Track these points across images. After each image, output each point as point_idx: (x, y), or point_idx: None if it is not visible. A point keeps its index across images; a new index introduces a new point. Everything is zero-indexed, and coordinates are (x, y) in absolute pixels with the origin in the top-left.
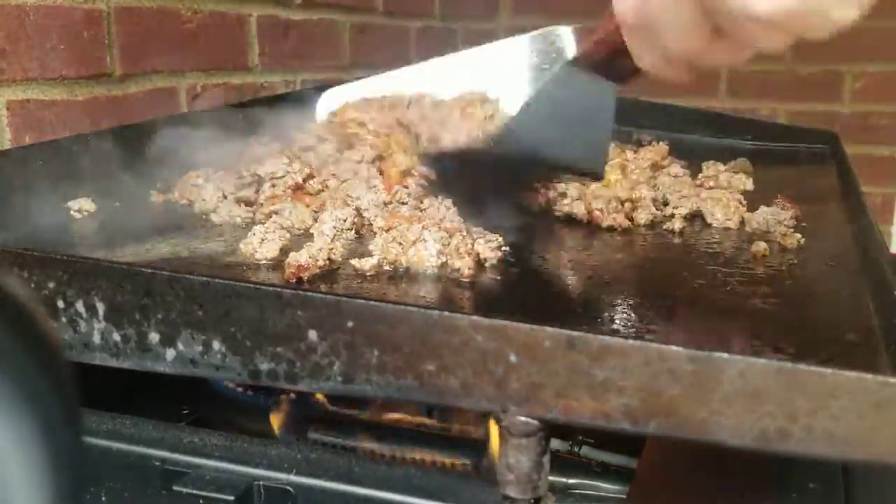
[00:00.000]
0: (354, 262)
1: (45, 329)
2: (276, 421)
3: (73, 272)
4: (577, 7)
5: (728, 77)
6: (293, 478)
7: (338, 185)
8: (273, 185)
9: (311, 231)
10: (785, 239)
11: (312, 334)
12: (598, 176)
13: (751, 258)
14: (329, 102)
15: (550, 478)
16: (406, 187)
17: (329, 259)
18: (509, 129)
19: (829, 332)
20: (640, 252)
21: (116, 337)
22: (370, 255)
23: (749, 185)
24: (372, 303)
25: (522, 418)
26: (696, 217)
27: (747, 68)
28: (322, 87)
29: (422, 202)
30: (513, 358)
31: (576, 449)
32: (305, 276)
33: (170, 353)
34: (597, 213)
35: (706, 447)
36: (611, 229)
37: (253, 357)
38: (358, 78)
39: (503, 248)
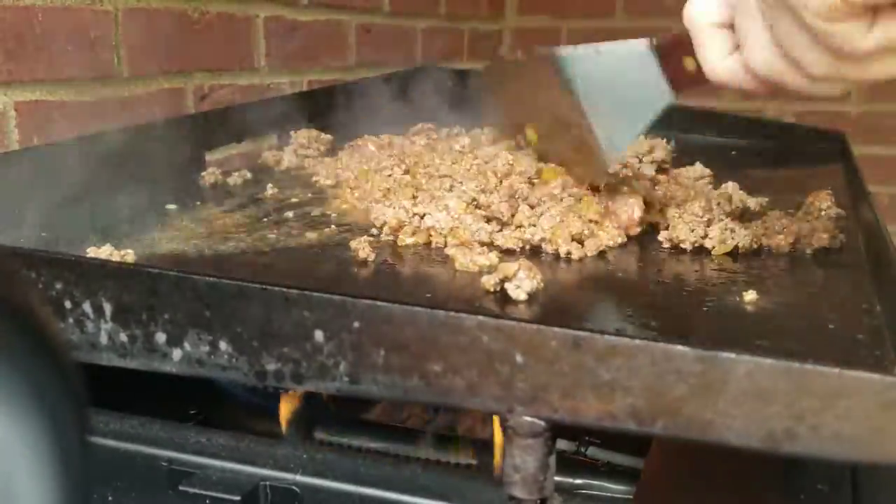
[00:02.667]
0: None
1: (51, 329)
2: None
3: (81, 273)
4: (582, 7)
5: None
6: (299, 478)
7: None
8: None
9: None
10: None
11: (318, 334)
12: (600, 174)
13: (758, 258)
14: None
15: (556, 478)
16: None
17: None
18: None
19: (837, 332)
20: (644, 252)
21: (123, 337)
22: None
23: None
24: (378, 303)
25: (528, 419)
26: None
27: None
28: None
29: None
30: (519, 358)
31: (582, 449)
32: None
33: (176, 354)
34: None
35: (713, 447)
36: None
37: (259, 357)
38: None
39: None
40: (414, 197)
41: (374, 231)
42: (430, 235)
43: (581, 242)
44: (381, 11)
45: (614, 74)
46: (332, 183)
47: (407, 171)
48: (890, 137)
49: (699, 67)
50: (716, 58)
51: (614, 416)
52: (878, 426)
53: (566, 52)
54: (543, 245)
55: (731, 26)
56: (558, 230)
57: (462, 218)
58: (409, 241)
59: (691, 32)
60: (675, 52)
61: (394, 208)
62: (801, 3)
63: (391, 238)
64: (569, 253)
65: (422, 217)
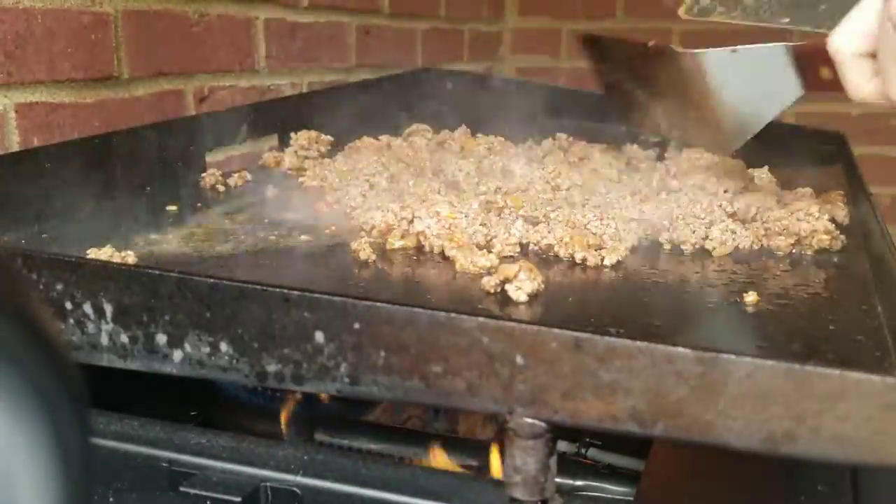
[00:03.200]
0: None
1: (52, 331)
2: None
3: (82, 274)
4: (583, 9)
5: None
6: (300, 479)
7: None
8: None
9: None
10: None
11: (319, 336)
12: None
13: (759, 259)
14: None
15: (557, 479)
16: None
17: None
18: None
19: (837, 333)
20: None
21: (124, 338)
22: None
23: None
24: (378, 304)
25: (529, 420)
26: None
27: None
28: None
29: None
30: (519, 360)
31: (583, 451)
32: None
33: (177, 355)
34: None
35: (714, 449)
36: None
37: (260, 358)
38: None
39: None
40: (402, 204)
41: (363, 234)
42: (420, 239)
43: (596, 249)
44: (381, 13)
45: (749, 71)
46: (316, 185)
47: (392, 177)
48: (890, 137)
49: (835, 78)
50: (859, 82)
51: (615, 417)
52: (879, 428)
53: (704, 53)
54: (553, 249)
55: (873, 55)
56: (567, 237)
57: (456, 223)
58: (398, 244)
59: (835, 59)
60: (811, 60)
61: (382, 211)
62: None
63: (381, 241)
64: (584, 259)
65: (410, 221)
